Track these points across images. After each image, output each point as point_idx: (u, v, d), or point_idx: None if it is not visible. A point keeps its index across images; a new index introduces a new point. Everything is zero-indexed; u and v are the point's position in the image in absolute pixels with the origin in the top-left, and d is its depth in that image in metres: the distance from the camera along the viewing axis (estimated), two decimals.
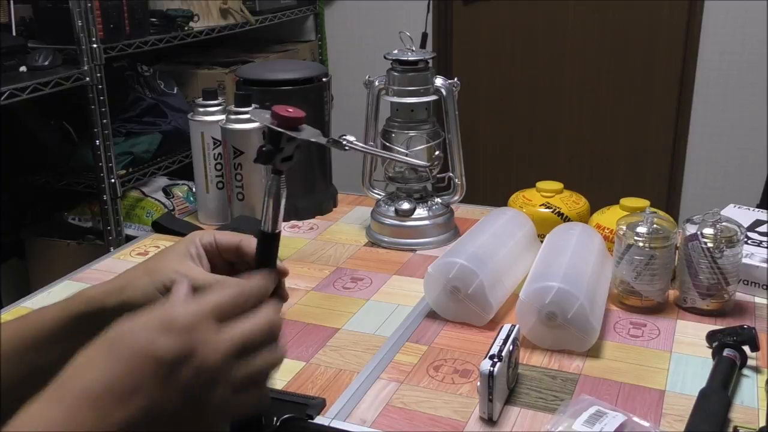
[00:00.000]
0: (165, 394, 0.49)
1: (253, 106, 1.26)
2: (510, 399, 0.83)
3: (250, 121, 1.24)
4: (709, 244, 0.98)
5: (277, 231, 0.63)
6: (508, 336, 0.82)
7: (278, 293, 0.63)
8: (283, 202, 0.63)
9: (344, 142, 0.71)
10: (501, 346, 0.80)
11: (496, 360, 0.77)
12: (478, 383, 0.78)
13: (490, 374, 0.76)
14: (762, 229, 1.14)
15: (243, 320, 0.54)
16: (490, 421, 0.79)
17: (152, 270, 0.64)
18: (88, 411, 0.47)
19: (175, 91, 2.43)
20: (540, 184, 1.25)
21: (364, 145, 0.81)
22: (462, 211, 1.39)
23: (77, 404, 0.47)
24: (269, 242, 0.63)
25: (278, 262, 0.63)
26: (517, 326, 0.85)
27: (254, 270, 0.62)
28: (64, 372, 0.50)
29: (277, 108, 0.60)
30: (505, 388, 0.81)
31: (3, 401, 0.57)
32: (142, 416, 0.48)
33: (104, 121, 2.01)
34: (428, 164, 1.21)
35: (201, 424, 0.51)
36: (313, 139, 0.62)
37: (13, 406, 0.48)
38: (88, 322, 0.61)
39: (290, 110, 0.60)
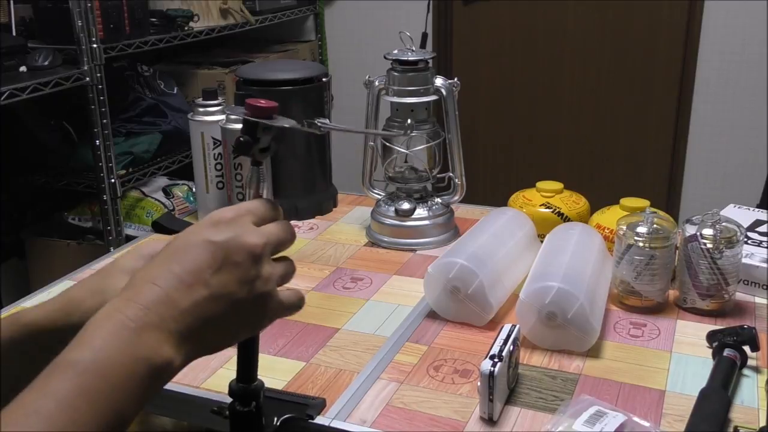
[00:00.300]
0: (222, 274, 0.55)
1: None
2: (510, 399, 0.83)
3: None
4: (709, 245, 0.98)
5: None
6: (508, 336, 0.82)
7: None
8: (264, 194, 0.64)
9: (319, 124, 0.73)
10: (501, 346, 0.80)
11: (496, 360, 0.77)
12: (479, 383, 0.78)
13: (491, 374, 0.76)
14: (762, 229, 1.14)
15: (273, 224, 0.61)
16: (490, 421, 0.79)
17: (98, 290, 0.64)
18: (161, 305, 0.53)
19: (175, 91, 2.43)
20: (540, 184, 1.25)
21: (338, 125, 0.83)
22: (462, 211, 1.39)
23: (151, 299, 0.53)
24: None
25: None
26: (517, 326, 0.85)
27: None
28: (131, 278, 0.56)
29: (250, 100, 0.62)
30: (505, 388, 0.81)
31: None
32: (207, 299, 0.54)
33: (104, 121, 2.01)
34: (390, 133, 1.20)
35: (257, 308, 0.58)
36: (287, 125, 0.64)
37: None
38: (23, 348, 0.61)
39: (263, 102, 0.62)
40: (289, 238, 0.61)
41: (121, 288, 0.57)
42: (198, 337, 0.54)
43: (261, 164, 0.64)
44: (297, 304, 0.62)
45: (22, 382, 0.49)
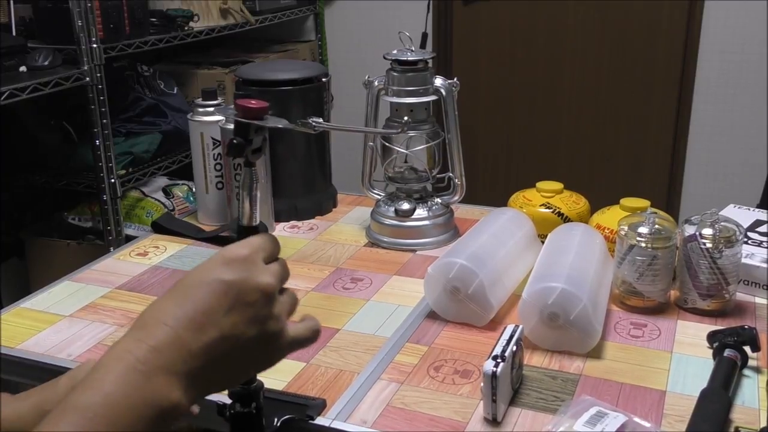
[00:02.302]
0: (234, 315, 0.55)
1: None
2: (511, 399, 0.82)
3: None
4: (708, 245, 0.98)
5: (254, 224, 0.64)
6: (511, 336, 0.82)
7: None
8: (257, 194, 0.63)
9: (313, 123, 0.73)
10: (504, 347, 0.80)
11: (499, 360, 0.77)
12: (482, 384, 0.78)
13: (493, 375, 0.76)
14: (762, 229, 1.14)
15: (277, 262, 0.61)
16: (493, 421, 0.78)
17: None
18: (172, 346, 0.53)
19: (175, 91, 2.43)
20: (540, 184, 1.25)
21: (332, 124, 0.83)
22: (462, 211, 1.39)
23: (162, 341, 0.53)
24: (248, 236, 0.64)
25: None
26: (520, 327, 0.85)
27: None
28: (140, 315, 0.56)
29: (240, 101, 0.62)
30: (509, 388, 0.81)
31: None
32: (218, 341, 0.54)
33: (104, 121, 2.01)
34: (386, 131, 1.20)
35: (267, 347, 0.58)
36: (280, 126, 0.64)
37: None
38: None
39: (253, 102, 0.62)
40: (288, 274, 0.62)
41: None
42: (207, 377, 0.55)
43: (254, 165, 0.63)
44: (310, 338, 0.62)
45: None
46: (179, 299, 0.55)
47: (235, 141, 0.62)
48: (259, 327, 0.57)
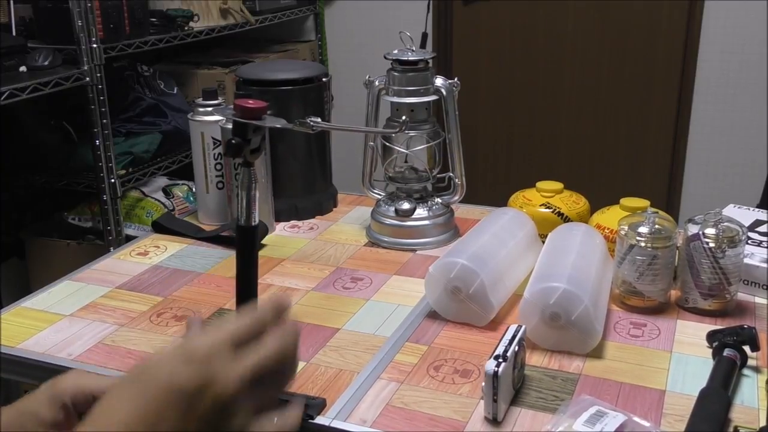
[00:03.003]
0: (188, 423, 0.51)
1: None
2: (511, 399, 0.82)
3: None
4: (711, 244, 0.98)
5: (253, 224, 0.63)
6: (513, 336, 0.82)
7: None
8: (256, 194, 0.63)
9: (311, 123, 0.73)
10: (507, 347, 0.80)
11: (501, 360, 0.77)
12: (483, 383, 0.78)
13: (495, 374, 0.76)
14: (762, 229, 1.14)
15: (257, 347, 0.55)
16: (494, 421, 0.78)
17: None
18: None
19: (175, 91, 2.43)
20: (540, 184, 1.25)
21: (330, 124, 0.83)
22: (462, 211, 1.39)
23: None
24: (246, 236, 0.64)
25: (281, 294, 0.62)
26: (523, 327, 0.85)
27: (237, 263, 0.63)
28: (93, 410, 0.52)
29: (238, 101, 0.61)
30: (510, 388, 0.81)
31: None
32: None
33: (104, 121, 2.01)
34: (385, 131, 1.20)
35: None
36: (279, 125, 0.63)
37: None
38: None
39: (251, 102, 0.61)
40: (277, 358, 0.55)
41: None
42: None
43: (253, 165, 0.63)
44: None
45: None
46: (131, 398, 0.52)
47: (233, 141, 0.62)
48: None
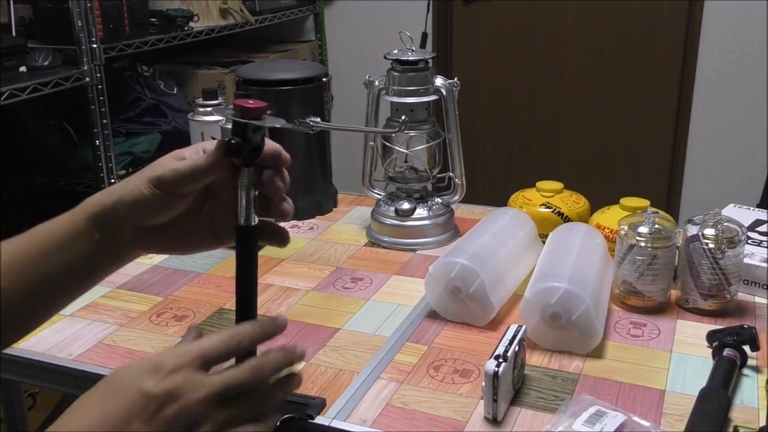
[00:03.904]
0: (152, 429, 0.54)
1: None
2: (511, 399, 0.82)
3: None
4: (711, 245, 0.98)
5: (252, 224, 0.63)
6: (514, 336, 0.82)
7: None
8: (254, 194, 0.63)
9: (311, 123, 0.72)
10: (507, 347, 0.80)
11: (501, 360, 0.77)
12: (483, 383, 0.78)
13: (495, 374, 0.76)
14: (762, 228, 1.14)
15: (230, 368, 0.58)
16: (494, 421, 0.78)
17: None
18: None
19: (175, 91, 2.43)
20: (540, 184, 1.25)
21: (330, 124, 0.83)
22: (462, 211, 1.39)
23: None
24: (246, 236, 0.63)
25: (283, 317, 0.63)
26: (523, 327, 0.85)
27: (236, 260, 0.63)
28: (62, 415, 0.55)
29: (238, 101, 0.61)
30: (510, 388, 0.81)
31: (12, 314, 0.63)
32: None
33: (104, 121, 2.01)
34: (385, 131, 1.19)
35: None
36: (278, 125, 0.63)
37: (24, 318, 0.62)
38: (93, 222, 0.64)
39: (251, 102, 0.61)
40: (249, 381, 0.57)
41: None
42: None
43: (252, 166, 0.63)
44: None
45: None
46: (99, 402, 0.55)
47: (232, 141, 0.61)
48: None
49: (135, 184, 0.63)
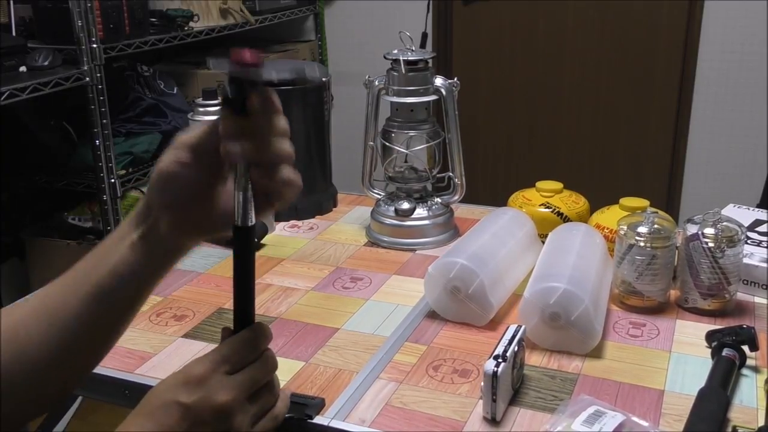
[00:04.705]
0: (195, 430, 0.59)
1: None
2: (510, 399, 0.82)
3: None
4: (710, 244, 0.98)
5: (249, 224, 0.63)
6: (513, 336, 0.82)
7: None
8: (250, 194, 0.62)
9: (308, 77, 0.72)
10: (506, 347, 0.80)
11: (500, 360, 0.77)
12: (482, 383, 0.78)
13: (494, 374, 0.76)
14: (762, 228, 1.14)
15: (249, 367, 0.63)
16: (493, 421, 0.78)
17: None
18: None
19: (175, 91, 2.43)
20: (540, 184, 1.25)
21: (329, 70, 0.81)
22: (462, 211, 1.39)
23: None
24: (243, 237, 0.63)
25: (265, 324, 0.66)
26: (523, 327, 0.85)
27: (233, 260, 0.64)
28: None
29: (234, 52, 0.60)
30: (509, 388, 0.81)
31: (76, 325, 0.65)
32: None
33: (104, 121, 2.01)
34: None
35: None
36: (276, 77, 0.62)
37: (92, 330, 0.64)
38: (135, 222, 0.65)
39: (248, 52, 0.60)
40: (265, 377, 0.64)
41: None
42: None
43: (249, 117, 0.62)
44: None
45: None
46: (140, 419, 0.60)
47: (229, 95, 0.61)
48: None
49: (160, 168, 0.64)
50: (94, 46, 1.97)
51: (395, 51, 1.22)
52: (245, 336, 0.63)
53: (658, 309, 1.02)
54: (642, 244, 0.99)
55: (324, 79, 1.37)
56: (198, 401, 0.59)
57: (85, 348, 0.66)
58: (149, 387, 0.62)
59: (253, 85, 0.61)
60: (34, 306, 0.66)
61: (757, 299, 1.05)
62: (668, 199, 2.92)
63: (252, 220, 0.63)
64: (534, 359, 0.90)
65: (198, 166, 0.64)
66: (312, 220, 1.38)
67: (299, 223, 1.37)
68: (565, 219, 1.20)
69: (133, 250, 0.64)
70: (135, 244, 0.64)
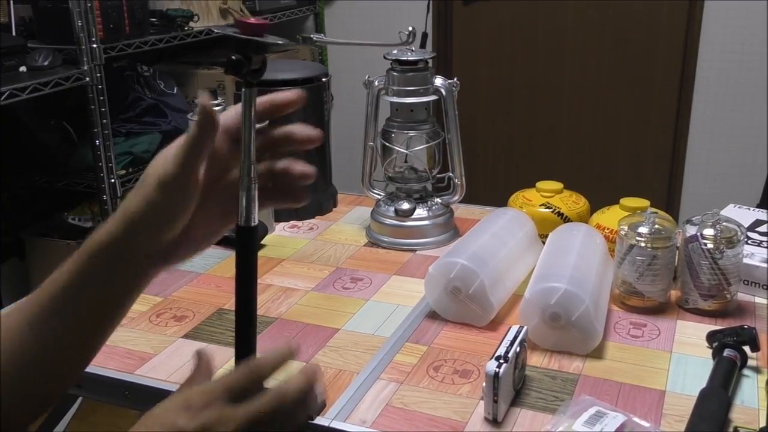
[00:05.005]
0: None
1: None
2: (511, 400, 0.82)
3: None
4: (709, 245, 0.98)
5: (252, 224, 0.63)
6: (515, 337, 0.82)
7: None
8: (255, 194, 0.62)
9: (314, 38, 0.72)
10: (508, 348, 0.80)
11: (502, 361, 0.77)
12: (484, 384, 0.78)
13: (496, 375, 0.76)
14: (762, 229, 1.14)
15: (254, 398, 0.60)
16: (494, 421, 0.78)
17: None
18: None
19: (175, 91, 2.43)
20: (540, 184, 1.25)
21: (333, 39, 0.82)
22: (462, 211, 1.39)
23: None
24: (246, 237, 0.63)
25: (295, 342, 0.64)
26: (525, 328, 0.85)
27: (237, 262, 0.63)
28: None
29: (241, 18, 0.60)
30: (510, 389, 0.81)
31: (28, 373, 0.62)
32: None
33: (104, 121, 2.01)
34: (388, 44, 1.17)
35: None
36: (280, 41, 0.63)
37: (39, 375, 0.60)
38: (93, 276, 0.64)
39: (253, 19, 0.61)
40: (274, 409, 0.60)
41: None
42: None
43: (253, 86, 0.62)
44: None
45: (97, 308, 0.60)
46: None
47: (234, 57, 0.61)
48: None
49: (137, 202, 0.61)
50: (94, 46, 1.97)
51: (395, 51, 1.22)
52: (254, 365, 0.62)
53: (659, 309, 1.02)
54: (643, 244, 0.99)
55: (323, 79, 1.37)
56: (196, 430, 0.56)
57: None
58: (149, 388, 0.61)
59: (257, 49, 0.61)
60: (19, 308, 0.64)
61: (758, 299, 1.05)
62: (668, 200, 2.92)
63: (255, 220, 0.63)
64: (534, 360, 0.90)
65: (184, 189, 0.63)
66: (312, 221, 1.38)
67: (299, 223, 1.37)
68: (566, 219, 1.20)
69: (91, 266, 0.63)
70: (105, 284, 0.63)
